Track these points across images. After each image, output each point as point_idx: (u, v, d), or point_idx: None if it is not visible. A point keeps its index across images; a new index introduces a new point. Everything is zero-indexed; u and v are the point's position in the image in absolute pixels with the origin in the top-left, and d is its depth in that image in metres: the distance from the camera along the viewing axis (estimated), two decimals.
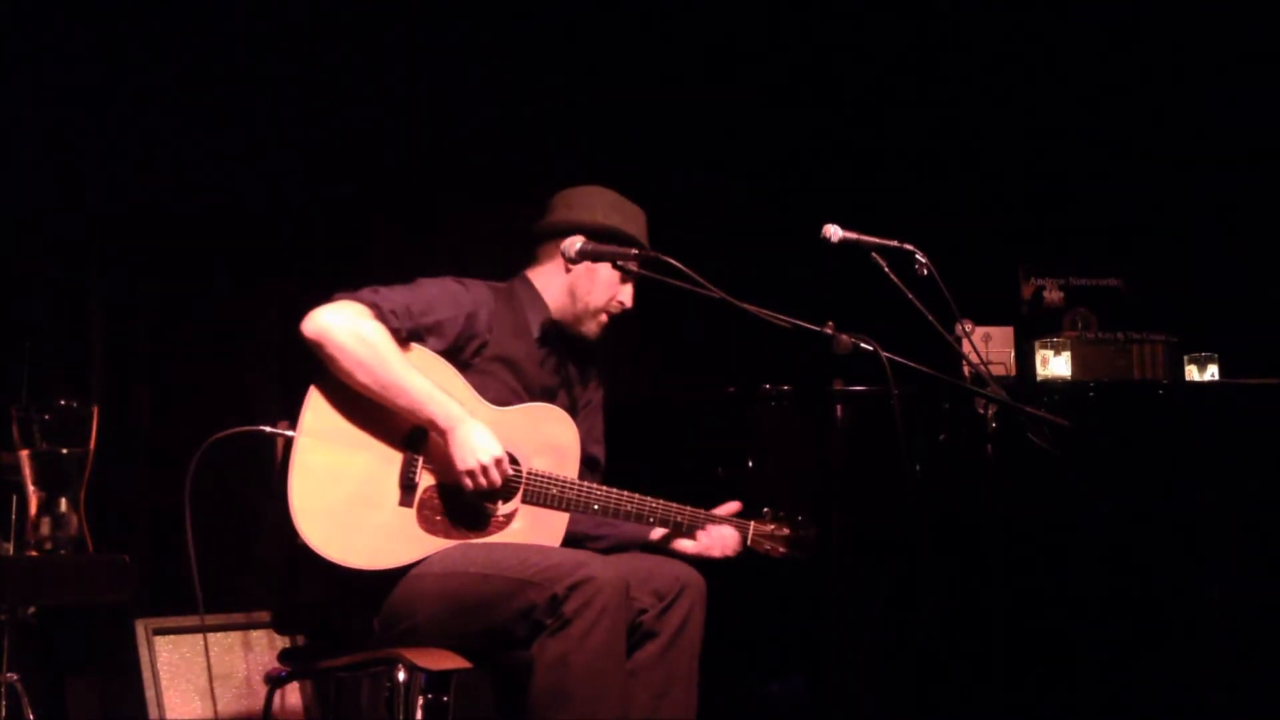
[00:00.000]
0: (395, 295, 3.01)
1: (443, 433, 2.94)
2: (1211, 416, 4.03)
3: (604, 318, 3.29)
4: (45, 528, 2.43)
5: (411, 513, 2.95)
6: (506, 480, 2.99)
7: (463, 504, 2.98)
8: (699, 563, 3.17)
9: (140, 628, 3.90)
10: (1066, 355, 4.38)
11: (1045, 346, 4.39)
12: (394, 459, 2.96)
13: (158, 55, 4.19)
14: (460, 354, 3.09)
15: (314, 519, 2.85)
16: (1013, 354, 4.37)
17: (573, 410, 3.27)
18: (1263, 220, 4.98)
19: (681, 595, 3.00)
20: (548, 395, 3.23)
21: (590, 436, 3.33)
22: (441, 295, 3.09)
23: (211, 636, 3.99)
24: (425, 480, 2.97)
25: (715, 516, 3.27)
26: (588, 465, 3.29)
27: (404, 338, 2.99)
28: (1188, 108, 5.06)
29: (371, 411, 2.94)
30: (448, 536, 2.98)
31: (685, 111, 4.93)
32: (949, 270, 3.09)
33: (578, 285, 3.27)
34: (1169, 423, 4.02)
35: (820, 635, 3.80)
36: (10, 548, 3.29)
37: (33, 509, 2.44)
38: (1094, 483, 3.49)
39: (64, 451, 2.43)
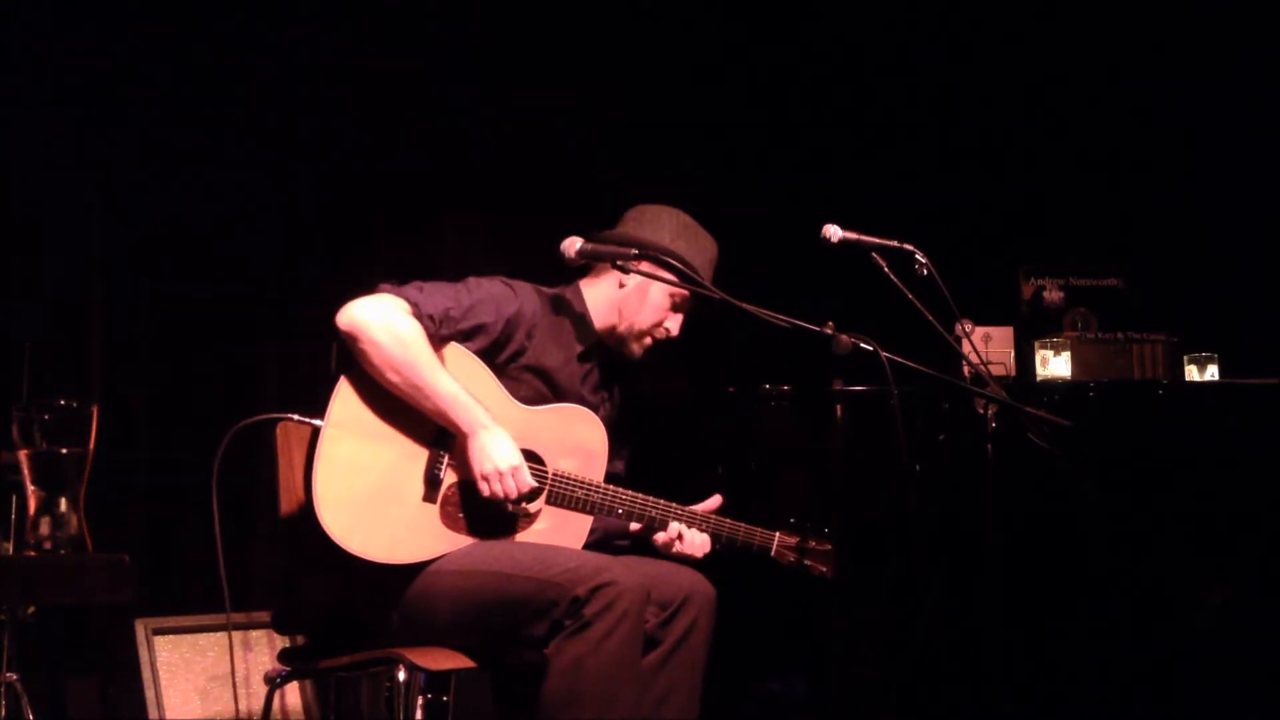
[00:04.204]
0: (439, 296, 2.98)
1: (464, 437, 2.93)
2: (1211, 416, 4.02)
3: (648, 340, 3.26)
4: (45, 528, 2.43)
5: (435, 508, 2.95)
6: (530, 490, 2.97)
7: (486, 503, 2.97)
8: (705, 568, 3.15)
9: (140, 628, 3.90)
10: (1066, 355, 4.37)
11: (1045, 346, 4.39)
12: (420, 454, 2.95)
13: (158, 55, 4.20)
14: (495, 357, 3.07)
15: (337, 510, 2.84)
16: (1013, 354, 4.37)
17: (609, 429, 3.23)
18: (1263, 220, 4.98)
19: (686, 605, 2.99)
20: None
21: (617, 454, 3.31)
22: (486, 299, 3.05)
23: (211, 636, 3.99)
24: (449, 477, 2.97)
25: (737, 526, 3.24)
26: (607, 479, 3.29)
27: (440, 339, 2.98)
28: (1188, 107, 5.06)
29: (400, 405, 2.93)
30: (469, 534, 2.98)
31: (685, 112, 4.93)
32: (949, 270, 3.09)
33: (626, 303, 3.23)
34: (1169, 423, 4.02)
35: (820, 635, 3.80)
36: (10, 548, 3.29)
37: (32, 509, 2.44)
38: (1094, 483, 3.49)
39: (64, 451, 2.43)
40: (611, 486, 3.11)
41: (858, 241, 3.10)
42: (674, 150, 4.94)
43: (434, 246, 4.57)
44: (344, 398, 2.91)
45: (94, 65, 4.11)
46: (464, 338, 3.01)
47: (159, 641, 3.92)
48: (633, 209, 3.30)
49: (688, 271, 3.17)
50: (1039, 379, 4.33)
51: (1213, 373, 4.45)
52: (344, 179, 4.46)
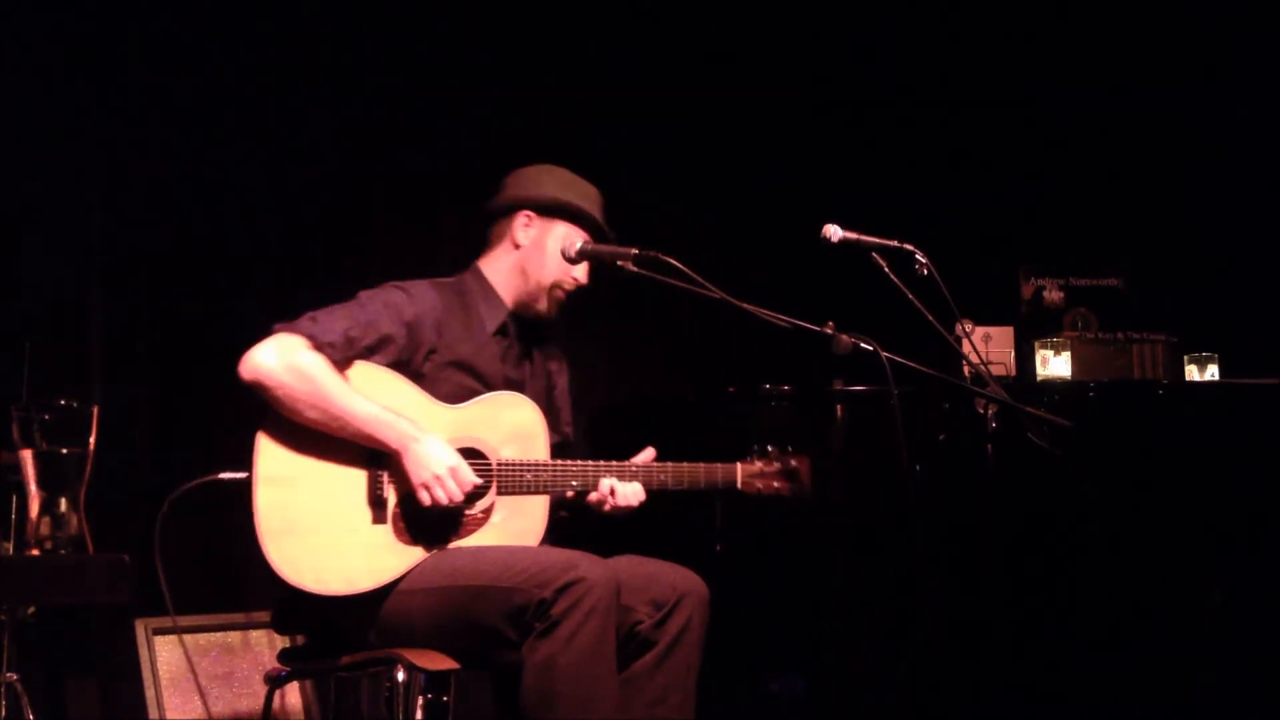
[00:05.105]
0: (334, 321, 2.95)
1: (397, 454, 2.92)
2: (1211, 416, 4.03)
3: (560, 294, 3.23)
4: (45, 528, 2.43)
5: (387, 528, 2.94)
6: (474, 485, 2.97)
7: (437, 509, 2.96)
8: (701, 569, 3.14)
9: (140, 628, 3.90)
10: (1066, 355, 4.38)
11: (1045, 346, 4.39)
12: (358, 480, 2.94)
13: (158, 55, 4.20)
14: (410, 364, 3.05)
15: (290, 561, 2.85)
16: (1013, 354, 4.37)
17: (542, 398, 3.22)
18: (1263, 220, 4.98)
19: (680, 604, 2.96)
20: (515, 388, 3.17)
21: (561, 420, 3.31)
22: (383, 310, 3.03)
23: (211, 636, 3.99)
24: (393, 495, 2.95)
25: (696, 468, 3.18)
26: (560, 449, 3.26)
27: (347, 361, 2.96)
28: (1187, 106, 5.06)
29: (324, 438, 2.91)
30: (428, 545, 2.97)
31: (685, 112, 4.93)
32: (949, 270, 3.09)
33: (528, 262, 3.21)
34: (1169, 423, 4.02)
35: (820, 635, 3.80)
36: (10, 548, 3.29)
37: (33, 509, 2.44)
38: (1094, 483, 3.49)
39: (64, 451, 2.43)
40: (559, 461, 3.09)
41: (858, 241, 3.10)
42: (674, 149, 4.94)
43: (433, 245, 4.57)
44: (265, 449, 2.89)
45: (94, 64, 4.11)
46: (370, 353, 2.99)
47: (159, 641, 3.92)
48: (511, 174, 3.30)
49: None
50: (1039, 379, 4.33)
51: (1213, 373, 4.45)
52: (343, 179, 4.46)
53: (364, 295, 3.06)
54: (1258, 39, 5.00)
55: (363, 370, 2.97)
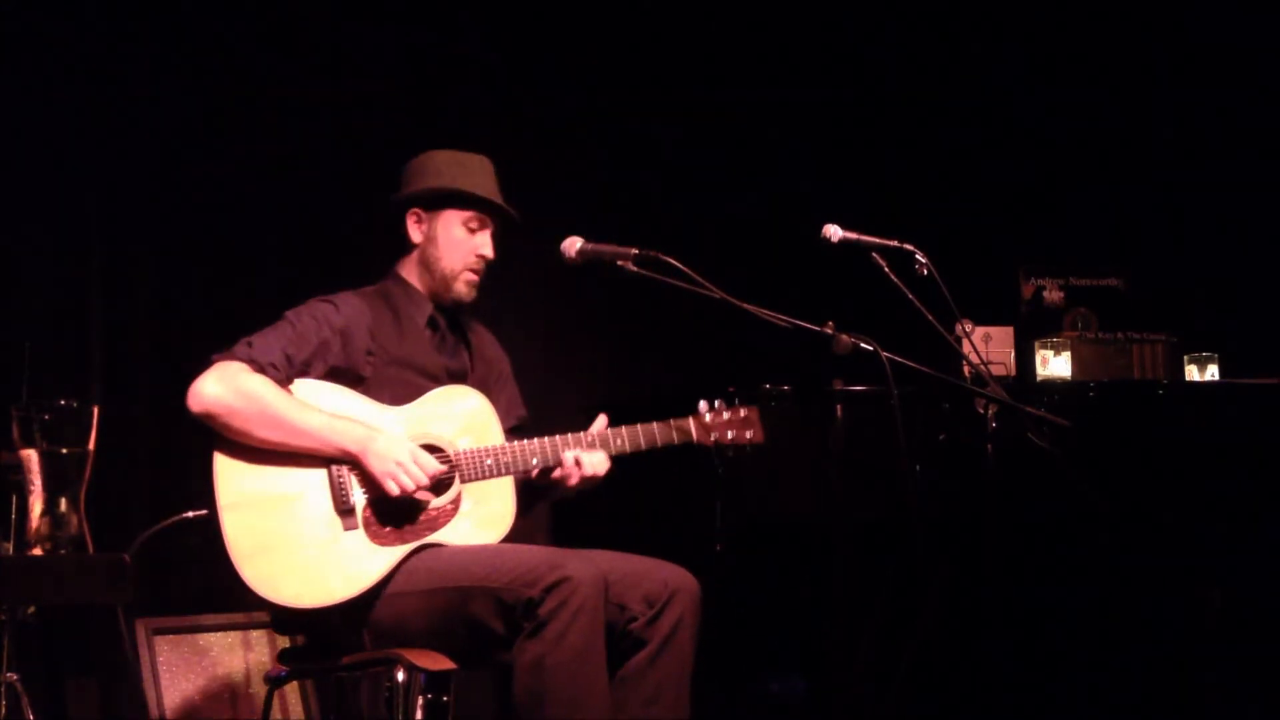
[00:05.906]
0: (270, 343, 3.00)
1: (356, 457, 2.95)
2: (1211, 416, 4.02)
3: (471, 276, 3.24)
4: (45, 528, 2.43)
5: (360, 533, 2.96)
6: (438, 472, 2.99)
7: (406, 507, 2.99)
8: (701, 569, 3.13)
9: (140, 628, 3.90)
10: (1066, 355, 4.37)
11: (1045, 346, 4.38)
12: (321, 491, 2.96)
13: (159, 56, 4.20)
14: (351, 370, 3.08)
15: (272, 581, 2.88)
16: (1013, 354, 4.37)
17: (486, 384, 3.25)
18: (1263, 219, 4.98)
19: (672, 601, 2.96)
20: (458, 377, 3.21)
21: (512, 405, 3.33)
22: (313, 323, 3.07)
23: (211, 636, 3.99)
24: (360, 499, 2.98)
25: (651, 428, 3.19)
26: (518, 430, 3.27)
27: (290, 379, 2.99)
28: (1187, 107, 5.06)
29: (281, 456, 2.94)
30: (404, 541, 2.99)
31: (685, 112, 4.93)
32: (949, 270, 3.09)
33: (427, 255, 3.24)
34: (1169, 423, 4.02)
35: (820, 635, 3.79)
36: (10, 548, 3.29)
37: (38, 509, 2.44)
38: (1094, 483, 3.49)
39: (64, 451, 2.44)
40: (516, 443, 3.11)
41: (858, 241, 3.10)
42: (674, 149, 4.94)
43: None
44: (224, 475, 2.92)
45: (94, 65, 4.11)
46: (308, 367, 3.03)
47: (159, 641, 3.92)
48: (403, 175, 3.30)
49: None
50: (1039, 379, 4.33)
51: (1213, 373, 4.45)
52: (343, 179, 4.45)
53: (291, 314, 3.10)
54: (1258, 39, 4.99)
55: (306, 386, 3.02)
